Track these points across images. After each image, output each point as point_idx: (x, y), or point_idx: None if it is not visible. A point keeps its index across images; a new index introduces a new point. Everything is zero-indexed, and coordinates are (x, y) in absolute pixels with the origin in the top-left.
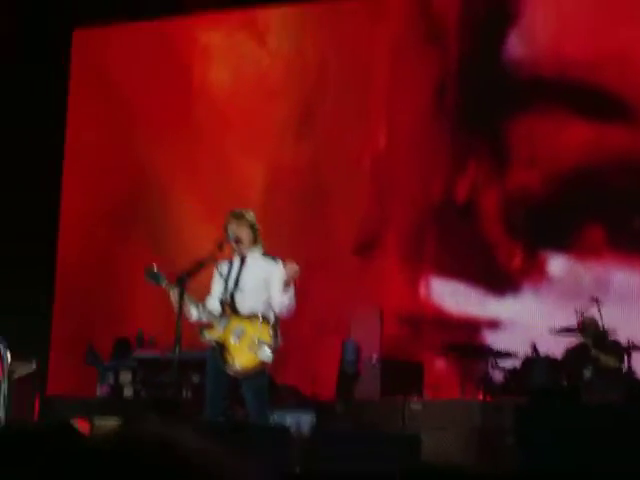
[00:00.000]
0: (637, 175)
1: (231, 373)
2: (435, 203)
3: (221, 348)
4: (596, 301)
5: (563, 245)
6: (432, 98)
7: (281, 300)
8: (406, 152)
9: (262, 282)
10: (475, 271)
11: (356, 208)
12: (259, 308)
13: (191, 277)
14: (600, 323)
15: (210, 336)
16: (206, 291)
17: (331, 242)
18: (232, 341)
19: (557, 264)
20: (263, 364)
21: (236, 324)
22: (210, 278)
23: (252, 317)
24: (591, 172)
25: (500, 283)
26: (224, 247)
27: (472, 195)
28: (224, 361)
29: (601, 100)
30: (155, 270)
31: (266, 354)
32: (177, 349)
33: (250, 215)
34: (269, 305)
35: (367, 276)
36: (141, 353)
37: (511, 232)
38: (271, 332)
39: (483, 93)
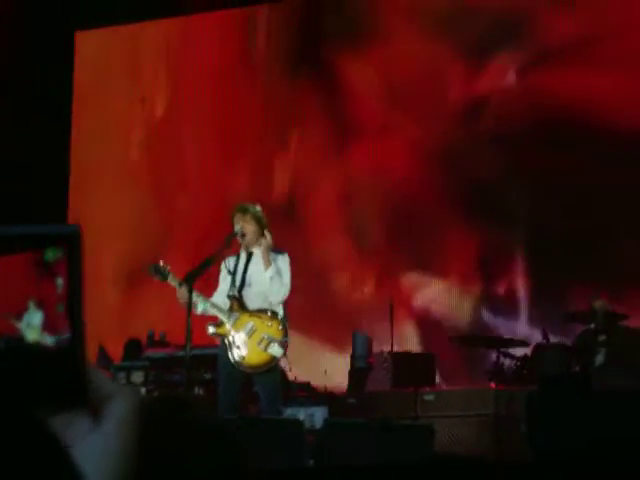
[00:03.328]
0: None
1: (242, 369)
2: None
3: (231, 344)
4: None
5: None
6: None
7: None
8: None
9: (269, 276)
10: None
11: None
12: (267, 303)
13: (199, 274)
14: (610, 308)
15: (220, 332)
16: (213, 287)
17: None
18: (242, 337)
19: None
20: (274, 359)
21: (245, 320)
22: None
23: (261, 312)
24: None
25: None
26: (231, 242)
27: None
28: (234, 357)
29: None
30: (162, 265)
31: (276, 349)
32: (188, 347)
33: (256, 209)
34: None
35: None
36: (152, 352)
37: None
38: (280, 327)
39: None
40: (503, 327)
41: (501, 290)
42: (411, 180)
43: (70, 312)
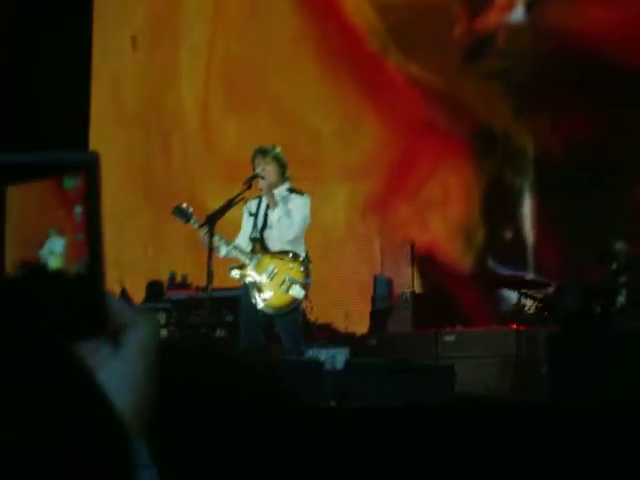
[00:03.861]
0: None
1: (264, 311)
2: None
3: (253, 286)
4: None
5: None
6: None
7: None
8: None
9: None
10: None
11: None
12: (289, 246)
13: (220, 216)
14: (630, 249)
15: (242, 275)
16: (236, 230)
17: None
18: (264, 279)
19: None
20: (295, 301)
21: (267, 262)
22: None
23: (283, 254)
24: None
25: None
26: (251, 184)
27: None
28: (257, 299)
29: None
30: (184, 207)
31: (297, 291)
32: (209, 288)
33: (277, 151)
34: (299, 242)
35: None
36: (173, 294)
37: None
38: (302, 269)
39: None
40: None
41: (508, 236)
42: (414, 120)
43: (90, 240)
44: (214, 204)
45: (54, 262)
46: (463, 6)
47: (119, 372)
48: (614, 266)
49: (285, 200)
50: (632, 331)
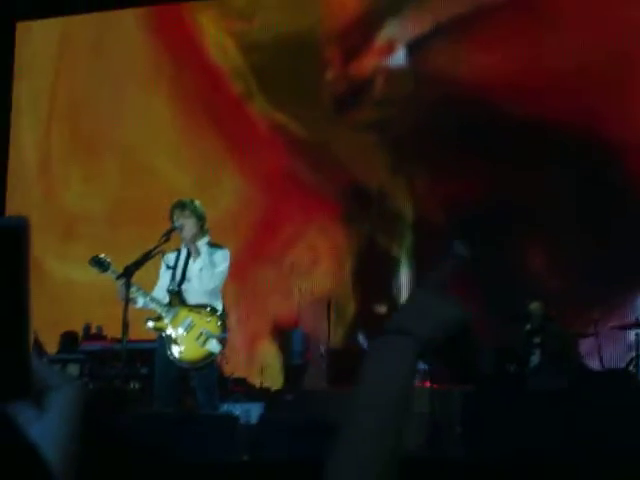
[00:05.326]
0: None
1: (179, 364)
2: None
3: (169, 339)
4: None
5: None
6: None
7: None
8: None
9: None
10: None
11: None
12: (206, 299)
13: (138, 267)
14: (545, 310)
15: (158, 327)
16: (153, 283)
17: (278, 236)
18: (180, 332)
19: None
20: (211, 355)
21: (184, 315)
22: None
23: (200, 308)
24: None
25: None
26: (170, 237)
27: None
28: (172, 352)
29: None
30: (102, 257)
31: (214, 345)
32: (124, 340)
33: (195, 205)
34: (217, 296)
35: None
36: (88, 345)
37: None
38: (219, 323)
39: None
40: None
41: (381, 310)
42: (279, 176)
43: (15, 303)
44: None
45: None
46: (337, 47)
47: (43, 432)
48: (528, 327)
49: (206, 253)
50: (546, 391)
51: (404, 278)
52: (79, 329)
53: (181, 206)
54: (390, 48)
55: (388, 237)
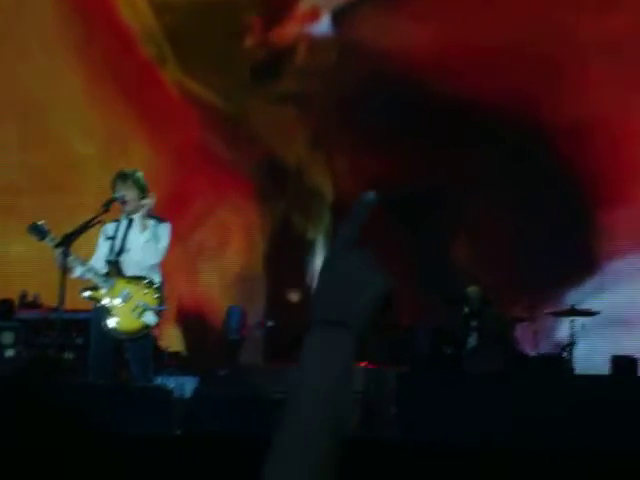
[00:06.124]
0: None
1: (115, 335)
2: None
3: (105, 310)
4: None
5: None
6: None
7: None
8: None
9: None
10: None
11: None
12: (144, 271)
13: (77, 236)
14: (482, 294)
15: (94, 297)
16: (91, 252)
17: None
18: (117, 303)
19: None
20: (147, 327)
21: (121, 286)
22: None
23: (138, 280)
24: None
25: None
26: (110, 207)
27: None
28: (108, 323)
29: None
30: (41, 224)
31: (150, 318)
32: (60, 309)
33: (137, 175)
34: (155, 268)
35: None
36: (24, 313)
37: None
38: (156, 296)
39: None
40: None
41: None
42: (190, 148)
43: None
44: None
45: None
46: (257, 12)
47: None
48: (466, 309)
49: (147, 225)
50: (481, 373)
51: (320, 263)
52: (15, 297)
53: (123, 177)
54: (314, 15)
55: (305, 217)
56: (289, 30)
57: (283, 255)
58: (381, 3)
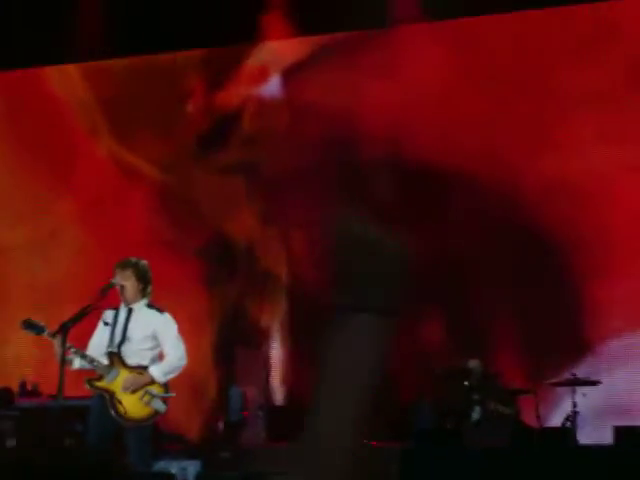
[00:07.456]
0: None
1: (123, 423)
2: None
3: (112, 399)
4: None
5: None
6: None
7: (176, 354)
8: None
9: (149, 335)
10: None
11: None
12: (147, 360)
13: (74, 324)
14: (484, 368)
15: (99, 387)
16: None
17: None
18: (123, 391)
19: None
20: (157, 413)
21: (126, 375)
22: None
23: (142, 369)
24: None
25: None
26: (106, 294)
27: None
28: (115, 412)
29: None
30: (36, 321)
31: (159, 404)
32: (60, 398)
33: (139, 265)
34: (156, 357)
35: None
36: (23, 402)
37: None
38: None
39: None
40: None
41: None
42: (128, 231)
43: None
44: None
45: None
46: (199, 74)
47: None
48: (466, 383)
49: (145, 316)
50: (483, 447)
51: (277, 354)
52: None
53: (122, 265)
54: (262, 76)
55: (258, 303)
56: (234, 93)
57: (234, 347)
58: (334, 60)
